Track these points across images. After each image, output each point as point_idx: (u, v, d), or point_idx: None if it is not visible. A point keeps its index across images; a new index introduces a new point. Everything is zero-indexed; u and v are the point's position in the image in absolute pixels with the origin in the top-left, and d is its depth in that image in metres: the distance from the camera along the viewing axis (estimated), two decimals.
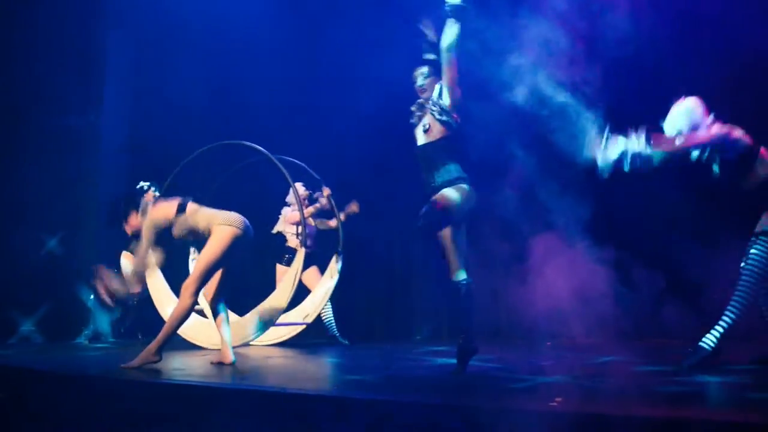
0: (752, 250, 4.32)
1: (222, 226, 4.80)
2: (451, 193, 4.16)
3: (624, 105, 4.82)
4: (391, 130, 4.36)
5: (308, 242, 6.72)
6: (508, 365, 4.54)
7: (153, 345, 4.69)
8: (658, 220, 6.21)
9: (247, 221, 4.93)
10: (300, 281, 6.54)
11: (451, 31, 4.18)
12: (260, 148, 6.47)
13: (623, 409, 3.05)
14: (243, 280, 7.89)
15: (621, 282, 4.85)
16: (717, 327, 4.35)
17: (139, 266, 4.83)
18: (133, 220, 4.91)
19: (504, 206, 4.39)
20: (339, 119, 7.53)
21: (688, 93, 6.17)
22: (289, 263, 6.88)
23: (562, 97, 4.31)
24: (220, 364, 4.86)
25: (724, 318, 4.34)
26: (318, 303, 6.81)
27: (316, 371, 4.98)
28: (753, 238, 4.35)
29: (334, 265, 6.92)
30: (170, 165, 6.98)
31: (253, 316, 6.42)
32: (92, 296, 7.38)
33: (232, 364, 4.84)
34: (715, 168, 4.45)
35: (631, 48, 4.64)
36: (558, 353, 5.47)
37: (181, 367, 4.98)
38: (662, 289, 5.85)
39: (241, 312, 6.61)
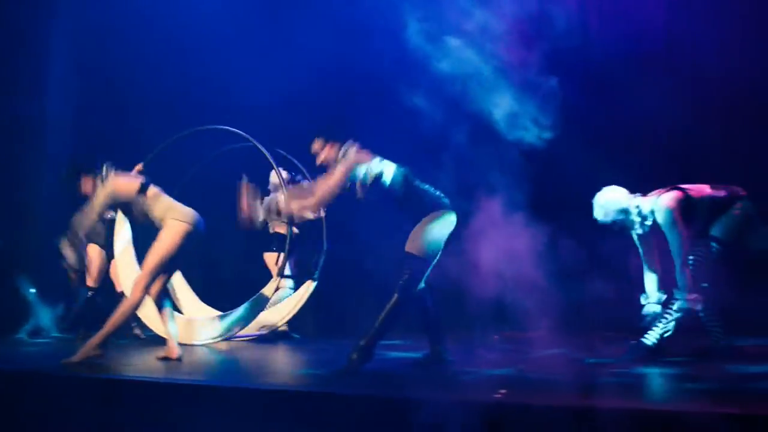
0: (698, 250, 4.47)
1: (174, 221, 4.75)
2: (419, 238, 4.13)
3: (571, 93, 4.85)
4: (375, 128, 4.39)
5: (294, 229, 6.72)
6: (454, 357, 4.59)
7: (95, 339, 4.59)
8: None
9: (200, 217, 4.87)
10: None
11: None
12: (245, 134, 6.29)
13: (565, 401, 3.12)
14: (229, 272, 7.78)
15: (569, 274, 4.92)
16: (659, 324, 4.51)
17: (83, 230, 4.70)
18: (86, 185, 4.77)
19: (447, 193, 4.38)
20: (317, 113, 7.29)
21: (634, 79, 6.32)
22: (278, 249, 6.79)
23: (503, 79, 4.32)
24: (165, 358, 4.80)
25: (666, 316, 4.50)
26: (277, 320, 6.72)
27: (266, 366, 4.95)
28: (702, 239, 4.49)
29: (306, 290, 6.83)
30: (116, 156, 6.79)
31: (207, 323, 6.29)
32: (33, 290, 7.19)
33: (179, 359, 4.78)
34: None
35: (577, 37, 4.68)
36: (504, 346, 5.55)
37: (126, 362, 4.89)
38: (607, 280, 5.96)
39: (226, 305, 6.47)
